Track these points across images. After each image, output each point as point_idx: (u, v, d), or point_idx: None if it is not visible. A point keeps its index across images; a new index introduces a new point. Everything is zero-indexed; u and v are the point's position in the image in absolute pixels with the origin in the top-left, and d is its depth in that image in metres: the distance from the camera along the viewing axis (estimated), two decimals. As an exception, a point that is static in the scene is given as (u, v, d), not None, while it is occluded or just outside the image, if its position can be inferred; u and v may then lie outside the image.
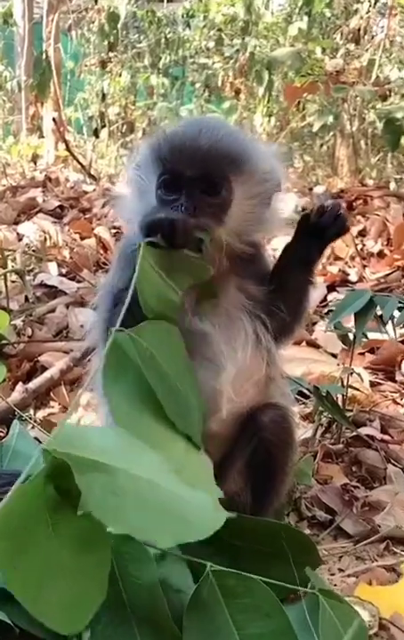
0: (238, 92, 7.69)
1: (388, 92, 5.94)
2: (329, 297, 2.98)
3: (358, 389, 2.03)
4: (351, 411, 1.94)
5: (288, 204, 1.31)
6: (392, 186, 5.37)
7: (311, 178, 6.38)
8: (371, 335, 2.15)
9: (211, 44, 8.23)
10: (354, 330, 1.75)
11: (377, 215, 4.08)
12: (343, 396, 1.86)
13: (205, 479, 0.91)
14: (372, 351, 2.43)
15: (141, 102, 8.24)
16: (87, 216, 4.40)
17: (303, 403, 2.00)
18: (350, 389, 1.89)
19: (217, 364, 1.20)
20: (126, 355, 0.97)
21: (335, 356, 2.39)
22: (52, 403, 2.09)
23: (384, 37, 6.84)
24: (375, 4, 6.85)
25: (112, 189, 4.26)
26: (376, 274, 3.29)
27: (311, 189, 5.22)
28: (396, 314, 1.66)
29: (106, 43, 8.30)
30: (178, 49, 8.48)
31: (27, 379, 2.18)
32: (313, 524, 1.51)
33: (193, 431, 0.99)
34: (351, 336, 1.82)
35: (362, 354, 2.38)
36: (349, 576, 1.33)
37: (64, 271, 3.19)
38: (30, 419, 1.90)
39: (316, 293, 2.87)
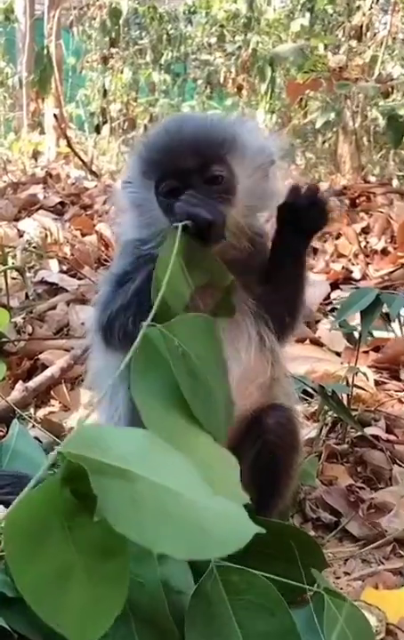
0: (240, 88, 7.68)
1: (390, 89, 5.93)
2: (333, 295, 2.95)
3: (363, 388, 2.01)
4: (356, 410, 1.91)
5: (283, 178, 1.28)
6: (395, 183, 5.35)
7: (314, 175, 6.37)
8: (376, 333, 2.12)
9: (213, 41, 8.24)
10: (360, 328, 1.72)
11: (381, 212, 4.06)
12: (347, 395, 1.84)
13: (231, 484, 0.86)
14: (376, 349, 2.40)
15: (142, 99, 8.24)
16: (88, 213, 4.38)
17: (308, 402, 1.98)
18: (354, 388, 1.87)
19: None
20: (157, 350, 0.93)
21: (338, 354, 2.37)
22: (52, 401, 2.07)
23: (387, 34, 6.82)
24: (377, 0, 6.83)
25: (113, 186, 4.23)
26: (380, 271, 3.26)
27: (313, 186, 5.19)
28: (403, 312, 1.63)
29: (107, 39, 8.30)
30: (180, 45, 8.48)
31: (27, 377, 2.15)
32: (318, 526, 1.48)
33: (218, 432, 0.95)
34: (356, 334, 1.79)
35: (366, 352, 2.36)
36: (355, 580, 1.31)
37: (65, 268, 3.16)
38: (30, 418, 1.87)
39: (319, 291, 2.85)
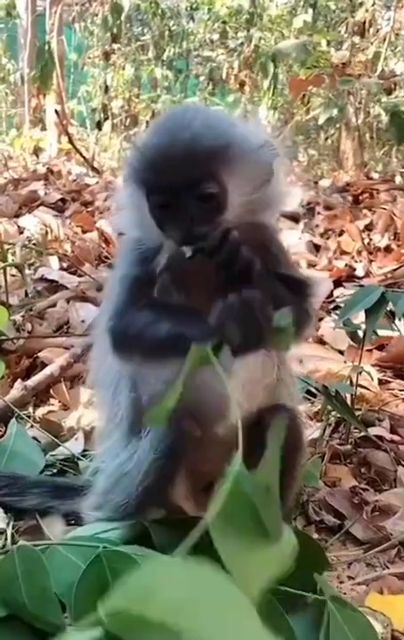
0: (242, 84, 7.66)
1: (393, 85, 5.91)
2: (336, 292, 2.92)
3: (367, 388, 1.98)
4: (360, 410, 1.88)
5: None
6: (398, 179, 5.33)
7: (316, 171, 6.36)
8: (379, 332, 2.09)
9: (215, 37, 8.22)
10: (364, 326, 1.69)
11: (384, 209, 4.03)
12: (351, 394, 1.81)
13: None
14: (379, 348, 2.38)
15: (144, 95, 8.22)
16: (89, 209, 4.34)
17: (311, 401, 1.95)
18: (358, 388, 1.84)
19: (227, 369, 1.14)
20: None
21: (341, 352, 2.34)
22: (51, 400, 2.03)
23: (390, 30, 6.80)
24: (380, -4, 6.82)
25: (115, 182, 4.21)
26: (383, 268, 3.23)
27: (316, 183, 5.19)
28: (407, 310, 1.60)
29: (109, 35, 8.27)
30: (182, 41, 8.47)
31: (26, 375, 2.12)
32: (321, 529, 1.45)
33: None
34: (360, 333, 1.76)
35: (370, 351, 2.33)
36: (359, 584, 1.28)
37: (65, 265, 3.13)
38: (29, 417, 1.85)
39: (322, 288, 2.82)
